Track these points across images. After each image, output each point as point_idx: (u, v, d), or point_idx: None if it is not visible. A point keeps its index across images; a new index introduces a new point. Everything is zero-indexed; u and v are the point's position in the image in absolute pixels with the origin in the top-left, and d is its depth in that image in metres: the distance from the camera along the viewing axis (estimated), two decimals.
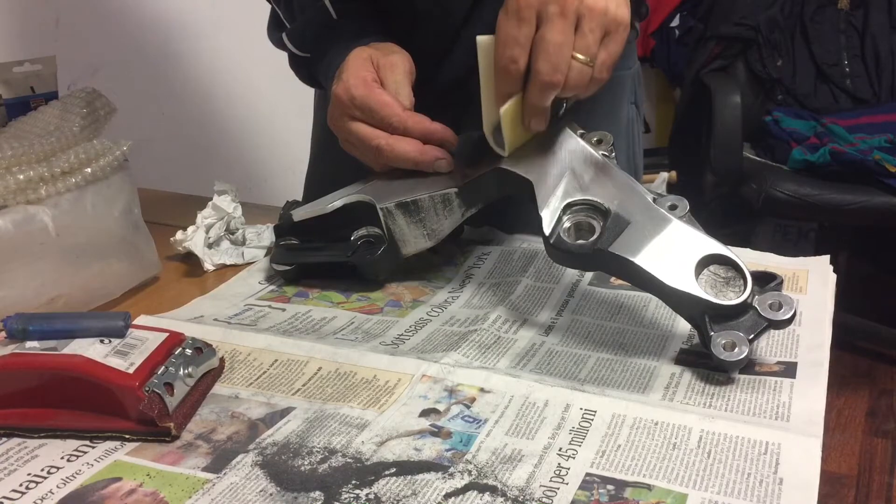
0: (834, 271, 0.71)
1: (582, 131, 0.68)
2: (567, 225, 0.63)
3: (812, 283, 0.69)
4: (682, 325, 0.64)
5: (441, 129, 0.72)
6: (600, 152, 0.66)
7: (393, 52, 0.75)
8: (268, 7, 0.85)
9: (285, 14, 0.80)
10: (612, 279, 0.73)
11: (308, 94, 0.97)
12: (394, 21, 0.80)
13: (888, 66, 1.94)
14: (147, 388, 0.51)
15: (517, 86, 0.62)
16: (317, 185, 0.82)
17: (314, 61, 0.81)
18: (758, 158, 1.86)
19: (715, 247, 0.59)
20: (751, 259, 0.61)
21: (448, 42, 0.82)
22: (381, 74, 0.73)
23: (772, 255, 0.74)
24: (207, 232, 0.81)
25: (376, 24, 0.80)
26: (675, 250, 0.59)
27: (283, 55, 0.85)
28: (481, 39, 0.64)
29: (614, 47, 0.62)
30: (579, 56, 0.60)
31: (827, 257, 0.72)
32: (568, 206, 0.64)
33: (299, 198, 0.82)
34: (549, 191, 0.65)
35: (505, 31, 0.61)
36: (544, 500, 0.46)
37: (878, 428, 0.54)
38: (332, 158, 0.77)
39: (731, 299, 0.57)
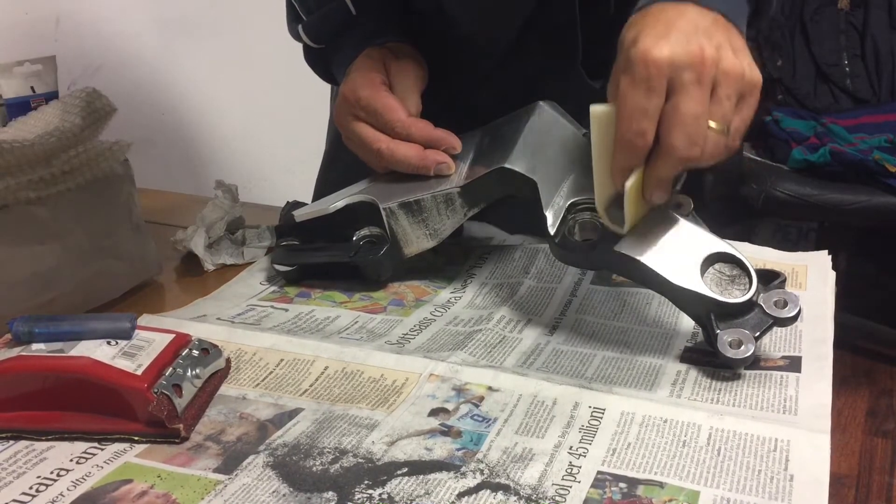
0: (834, 269, 0.71)
1: (585, 131, 0.68)
2: (572, 224, 0.64)
3: (811, 279, 0.69)
4: (686, 323, 0.65)
5: (444, 135, 0.71)
6: None
7: (406, 55, 0.75)
8: (268, 7, 0.84)
9: (301, 6, 0.79)
10: (614, 277, 0.73)
11: (308, 94, 0.97)
12: (434, 43, 0.78)
13: (888, 66, 1.95)
14: (156, 390, 0.51)
15: (641, 160, 0.56)
16: (329, 183, 0.82)
17: (330, 56, 0.81)
18: (758, 158, 1.86)
19: (720, 245, 0.59)
20: (749, 253, 0.61)
21: (483, 72, 0.81)
22: (391, 78, 0.73)
23: (770, 249, 0.74)
24: (207, 232, 0.81)
25: (395, 23, 0.79)
26: (681, 249, 0.59)
27: (283, 56, 0.85)
28: (596, 110, 0.57)
29: (748, 112, 0.57)
30: (714, 125, 0.55)
31: (825, 252, 0.72)
32: (572, 206, 0.64)
33: (299, 198, 0.82)
34: (553, 190, 0.65)
35: (632, 100, 0.54)
36: (557, 498, 0.46)
37: (878, 428, 0.54)
38: (348, 157, 0.76)
39: (737, 297, 0.57)
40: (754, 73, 0.56)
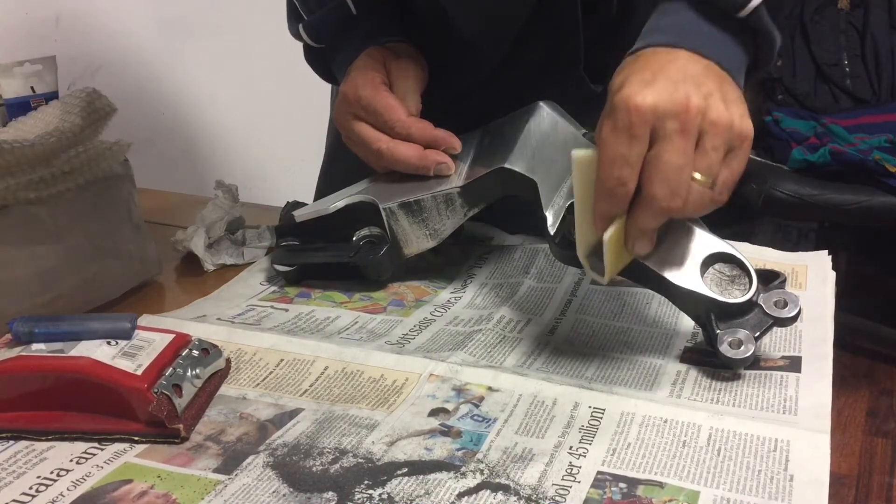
0: (834, 269, 0.71)
1: (585, 131, 0.68)
2: (572, 224, 0.63)
3: (811, 279, 0.69)
4: (686, 324, 0.65)
5: (444, 135, 0.72)
6: None
7: (407, 55, 0.75)
8: (268, 7, 0.84)
9: (302, 6, 0.80)
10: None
11: (308, 94, 0.97)
12: (434, 44, 0.78)
13: (888, 66, 1.94)
14: (156, 390, 0.51)
15: (623, 208, 0.54)
16: (330, 183, 0.82)
17: (330, 55, 0.81)
18: (758, 158, 1.85)
19: (720, 245, 0.59)
20: (749, 253, 0.61)
21: (484, 75, 0.81)
22: (391, 78, 0.73)
23: (770, 249, 0.74)
24: (207, 232, 0.81)
25: (395, 22, 0.79)
26: (681, 249, 0.59)
27: (283, 56, 0.85)
28: (578, 154, 0.56)
29: (737, 165, 0.54)
30: (699, 177, 0.53)
31: (825, 252, 0.72)
32: (572, 206, 0.64)
33: (300, 197, 0.82)
34: (553, 190, 0.65)
35: (613, 148, 0.53)
36: (557, 498, 0.46)
37: (878, 428, 0.54)
38: (349, 157, 0.76)
39: (737, 297, 0.57)
40: (745, 125, 0.54)
